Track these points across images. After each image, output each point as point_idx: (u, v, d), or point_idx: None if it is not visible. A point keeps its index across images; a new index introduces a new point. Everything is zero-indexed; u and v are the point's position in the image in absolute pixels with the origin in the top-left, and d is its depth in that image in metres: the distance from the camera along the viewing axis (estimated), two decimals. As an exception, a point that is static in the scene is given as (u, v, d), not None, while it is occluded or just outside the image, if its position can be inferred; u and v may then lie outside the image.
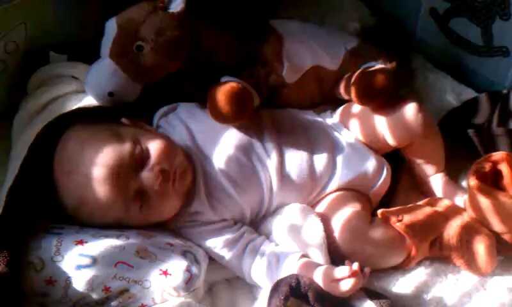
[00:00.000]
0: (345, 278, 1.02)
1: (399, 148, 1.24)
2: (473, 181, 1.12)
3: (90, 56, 1.17)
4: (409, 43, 1.51)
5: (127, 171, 1.04)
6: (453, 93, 1.40)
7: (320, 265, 1.06)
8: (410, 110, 1.19)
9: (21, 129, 1.15)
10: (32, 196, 1.08)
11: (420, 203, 1.20)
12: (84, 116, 1.12)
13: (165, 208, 1.08)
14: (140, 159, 1.06)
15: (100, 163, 1.03)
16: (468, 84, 1.43)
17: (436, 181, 1.25)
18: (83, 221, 1.06)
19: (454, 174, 1.28)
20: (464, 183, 1.27)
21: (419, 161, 1.25)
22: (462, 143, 1.29)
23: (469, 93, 1.40)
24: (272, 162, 1.15)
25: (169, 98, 1.23)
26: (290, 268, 1.06)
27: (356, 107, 1.24)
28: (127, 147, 1.05)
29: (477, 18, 1.35)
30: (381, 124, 1.21)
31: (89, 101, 1.15)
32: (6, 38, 1.16)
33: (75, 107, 1.13)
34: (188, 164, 1.11)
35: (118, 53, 1.12)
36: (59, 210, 1.07)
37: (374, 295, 1.03)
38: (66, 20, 1.23)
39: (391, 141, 1.21)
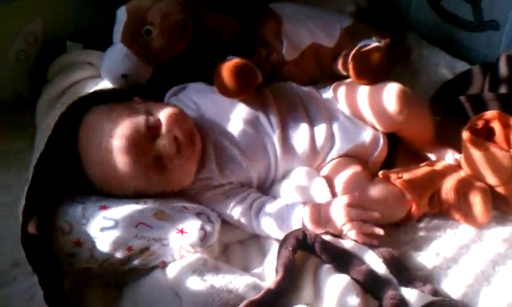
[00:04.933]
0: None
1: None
2: (466, 135, 1.19)
3: (104, 44, 1.25)
4: (404, 22, 1.59)
5: (144, 140, 1.10)
6: (447, 67, 1.47)
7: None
8: (392, 101, 1.23)
9: (43, 113, 1.23)
10: (59, 171, 1.15)
11: (420, 165, 1.25)
12: (102, 97, 1.20)
13: (182, 173, 1.15)
14: (155, 128, 1.12)
15: (119, 135, 1.09)
16: (462, 59, 1.49)
17: (429, 151, 1.31)
18: (107, 192, 1.12)
19: (448, 144, 1.32)
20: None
21: (409, 140, 1.31)
22: (456, 114, 1.34)
23: (463, 66, 1.46)
24: (276, 134, 1.22)
25: (179, 79, 1.30)
26: (299, 213, 1.13)
27: (345, 88, 1.31)
28: (141, 118, 1.12)
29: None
30: (368, 113, 1.27)
31: (104, 85, 1.24)
32: (25, 29, 1.26)
33: (92, 90, 1.21)
34: (197, 132, 1.18)
35: (128, 37, 1.21)
36: (86, 182, 1.13)
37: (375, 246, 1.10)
38: (80, 11, 1.32)
39: (379, 128, 1.28)
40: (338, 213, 1.12)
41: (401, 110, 1.22)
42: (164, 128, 1.13)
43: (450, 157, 1.28)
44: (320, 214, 1.13)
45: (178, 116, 1.16)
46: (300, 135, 1.23)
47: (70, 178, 1.15)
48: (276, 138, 1.22)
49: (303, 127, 1.24)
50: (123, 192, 1.12)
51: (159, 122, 1.13)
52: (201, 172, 1.18)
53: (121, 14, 1.23)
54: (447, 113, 1.36)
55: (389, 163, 1.31)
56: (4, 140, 1.28)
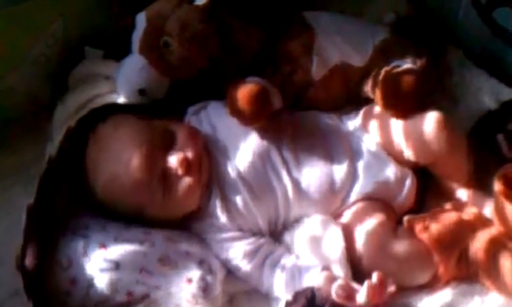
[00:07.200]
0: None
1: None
2: (498, 187, 1.08)
3: (125, 50, 1.19)
4: (449, 36, 1.45)
5: (156, 149, 1.08)
6: (491, 93, 1.33)
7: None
8: (432, 129, 1.15)
9: (61, 125, 1.18)
10: (66, 188, 1.12)
11: (446, 206, 1.17)
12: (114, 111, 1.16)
13: (186, 197, 1.10)
14: (169, 141, 1.10)
15: (132, 140, 1.08)
16: (509, 83, 1.34)
17: (463, 194, 1.20)
18: (109, 205, 1.09)
19: (488, 181, 1.19)
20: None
21: (443, 177, 1.21)
22: (497, 149, 1.24)
23: (509, 93, 1.32)
24: (289, 174, 1.14)
25: (200, 95, 1.24)
26: (311, 281, 1.06)
27: (378, 118, 1.21)
28: (157, 129, 1.10)
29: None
30: (402, 142, 1.18)
31: (121, 101, 1.18)
32: (45, 31, 1.21)
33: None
34: (206, 156, 1.13)
35: (146, 49, 1.14)
36: (87, 197, 1.10)
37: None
38: (103, 14, 1.26)
39: (413, 159, 1.18)
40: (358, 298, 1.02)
41: (440, 137, 1.14)
42: (178, 146, 1.10)
43: (489, 210, 1.16)
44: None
45: (194, 137, 1.13)
46: (317, 175, 1.15)
47: (77, 193, 1.12)
48: (287, 178, 1.14)
49: (321, 166, 1.15)
50: (126, 204, 1.09)
51: (174, 137, 1.11)
52: (207, 208, 1.13)
53: (141, 21, 1.15)
54: (487, 151, 1.24)
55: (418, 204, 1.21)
56: (16, 150, 1.24)
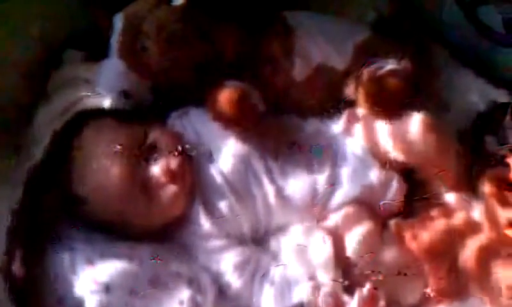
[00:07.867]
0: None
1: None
2: (489, 189, 1.05)
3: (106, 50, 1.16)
4: (434, 34, 1.42)
5: (138, 156, 1.07)
6: (479, 94, 1.30)
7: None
8: (418, 131, 1.14)
9: (46, 128, 1.15)
10: (52, 193, 1.09)
11: (434, 212, 1.14)
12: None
13: (171, 204, 1.09)
14: (152, 147, 1.09)
15: (113, 147, 1.06)
16: (497, 83, 1.32)
17: (451, 197, 1.18)
18: (92, 212, 1.07)
19: (476, 184, 1.17)
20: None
21: (430, 179, 1.19)
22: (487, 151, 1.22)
23: (497, 94, 1.29)
24: (272, 181, 1.13)
25: (183, 98, 1.21)
26: (301, 295, 1.05)
27: (362, 120, 1.20)
28: (139, 134, 1.09)
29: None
30: (388, 144, 1.16)
31: (105, 104, 1.16)
32: (24, 33, 1.19)
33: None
34: (188, 164, 1.12)
35: (125, 53, 1.12)
36: (71, 203, 1.08)
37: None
38: (81, 14, 1.23)
39: (401, 159, 1.16)
40: None
41: (426, 139, 1.14)
42: (161, 154, 1.09)
43: (477, 214, 1.13)
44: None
45: (176, 141, 1.11)
46: (300, 185, 1.13)
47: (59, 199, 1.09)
48: (269, 184, 1.12)
49: (304, 175, 1.14)
50: (107, 215, 1.07)
51: (156, 144, 1.09)
52: (190, 214, 1.10)
53: (119, 22, 1.13)
54: (476, 153, 1.21)
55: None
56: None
